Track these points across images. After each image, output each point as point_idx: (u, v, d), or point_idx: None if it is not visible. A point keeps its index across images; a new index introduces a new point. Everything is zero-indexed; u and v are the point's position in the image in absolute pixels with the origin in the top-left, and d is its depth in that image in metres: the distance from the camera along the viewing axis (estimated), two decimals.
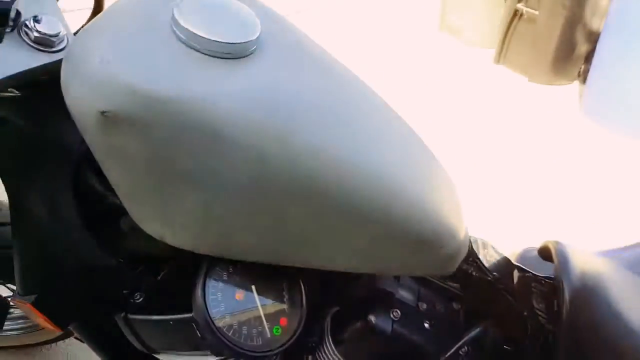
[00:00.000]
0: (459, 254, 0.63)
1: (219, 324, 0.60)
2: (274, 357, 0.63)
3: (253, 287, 0.64)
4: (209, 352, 0.76)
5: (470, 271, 0.68)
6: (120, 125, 0.46)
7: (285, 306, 0.66)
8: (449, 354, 0.70)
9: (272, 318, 0.64)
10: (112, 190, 0.64)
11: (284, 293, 0.67)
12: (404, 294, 0.73)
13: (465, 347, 0.72)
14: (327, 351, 0.76)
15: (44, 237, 0.69)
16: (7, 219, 1.05)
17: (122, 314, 0.75)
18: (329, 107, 0.54)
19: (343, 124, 0.54)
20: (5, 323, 1.48)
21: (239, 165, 0.49)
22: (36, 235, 0.70)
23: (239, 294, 0.63)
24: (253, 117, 0.48)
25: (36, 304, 0.72)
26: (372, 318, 0.69)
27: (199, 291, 0.60)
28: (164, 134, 0.47)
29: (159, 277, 0.78)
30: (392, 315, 0.70)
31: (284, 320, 0.65)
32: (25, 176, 0.66)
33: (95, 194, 0.67)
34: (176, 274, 0.79)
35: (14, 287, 0.90)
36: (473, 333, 0.71)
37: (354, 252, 0.59)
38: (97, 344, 0.87)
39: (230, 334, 0.60)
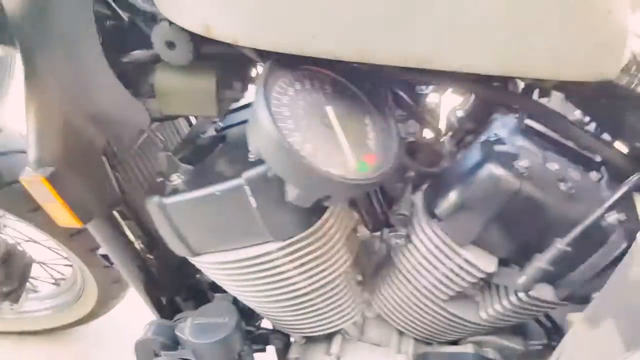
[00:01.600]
0: (624, 45, 0.45)
1: (291, 138, 0.43)
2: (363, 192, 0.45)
3: (328, 108, 0.48)
4: (262, 239, 0.59)
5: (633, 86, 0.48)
6: None
7: (370, 141, 0.49)
8: (591, 220, 0.50)
9: (356, 149, 0.47)
10: None
11: (368, 127, 0.50)
12: (527, 144, 0.54)
13: (617, 214, 0.52)
14: (421, 230, 0.58)
15: (63, 86, 0.56)
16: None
17: (157, 200, 0.59)
18: None
19: None
20: (31, 304, 1.35)
21: None
22: (54, 87, 0.56)
23: (312, 115, 0.47)
24: None
25: (52, 180, 0.58)
26: (492, 168, 0.51)
27: (261, 102, 0.44)
28: None
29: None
30: (518, 166, 0.51)
31: (370, 157, 0.48)
32: (40, 13, 0.53)
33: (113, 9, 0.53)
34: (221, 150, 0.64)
35: None
36: (623, 190, 0.51)
37: (495, 34, 0.41)
38: (124, 253, 0.70)
39: (305, 156, 0.43)
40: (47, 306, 1.33)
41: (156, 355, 0.71)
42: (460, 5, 0.40)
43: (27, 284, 1.14)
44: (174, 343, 0.71)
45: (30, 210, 0.96)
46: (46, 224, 0.99)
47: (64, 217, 0.62)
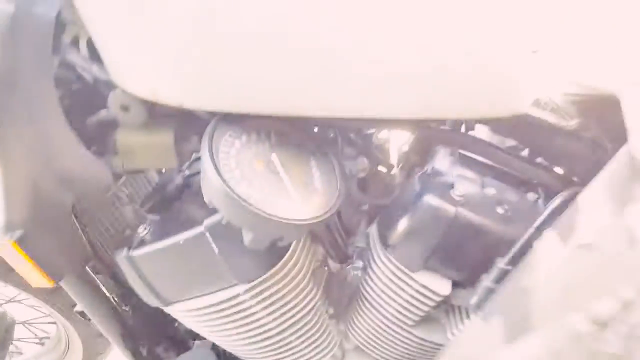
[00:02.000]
0: (529, 82, 0.49)
1: (238, 190, 0.47)
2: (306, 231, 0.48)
3: (274, 155, 0.51)
4: (229, 283, 0.61)
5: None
6: None
7: (316, 182, 0.53)
8: (525, 238, 0.54)
9: (303, 191, 0.51)
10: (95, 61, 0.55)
11: (313, 168, 0.54)
12: (466, 173, 0.58)
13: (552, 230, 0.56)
14: (378, 259, 0.61)
15: (30, 152, 0.59)
16: None
17: (125, 253, 0.62)
18: None
19: None
20: None
21: None
22: (20, 152, 0.59)
23: (258, 164, 0.51)
24: None
25: (22, 243, 0.60)
26: (429, 198, 0.54)
27: (208, 158, 0.47)
28: None
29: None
30: (454, 195, 0.55)
31: (316, 197, 0.52)
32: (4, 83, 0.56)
33: (76, 75, 0.57)
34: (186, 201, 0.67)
35: None
36: (550, 209, 0.54)
37: (416, 84, 0.45)
38: (99, 308, 0.72)
39: (253, 202, 0.47)
40: None
41: None
42: (379, 61, 0.45)
43: (11, 346, 1.13)
44: None
45: (7, 270, 0.96)
46: (25, 283, 1.00)
47: (36, 278, 0.63)
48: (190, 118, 0.61)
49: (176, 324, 0.83)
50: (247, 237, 0.50)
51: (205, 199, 0.51)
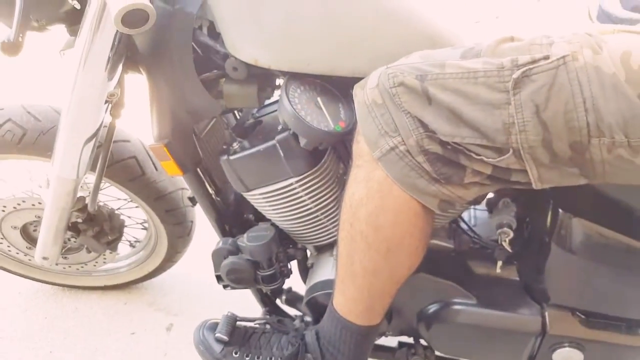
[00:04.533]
0: None
1: (300, 113, 0.88)
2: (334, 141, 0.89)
3: (318, 99, 0.92)
4: (288, 175, 1.02)
5: None
6: None
7: (342, 115, 0.93)
8: None
9: (334, 119, 0.91)
10: (218, 42, 0.96)
11: (340, 109, 0.94)
12: None
13: None
14: None
15: (172, 92, 1.00)
16: None
17: (226, 157, 1.04)
18: None
19: None
20: (114, 264, 1.81)
21: None
22: (166, 91, 1.00)
23: (309, 103, 0.91)
24: None
25: (168, 146, 1.02)
26: None
27: (284, 96, 0.89)
28: None
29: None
30: None
31: (342, 123, 0.92)
32: (159, 47, 0.98)
33: (206, 51, 0.98)
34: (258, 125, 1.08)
35: None
36: None
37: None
38: (203, 195, 1.15)
39: (308, 120, 0.88)
40: (126, 264, 1.80)
41: (224, 258, 1.15)
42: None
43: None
44: (237, 250, 1.15)
45: (129, 180, 1.40)
46: (139, 190, 1.44)
47: (173, 169, 1.06)
48: (266, 79, 1.01)
49: (245, 215, 1.26)
50: (302, 141, 0.91)
51: (280, 120, 0.92)
